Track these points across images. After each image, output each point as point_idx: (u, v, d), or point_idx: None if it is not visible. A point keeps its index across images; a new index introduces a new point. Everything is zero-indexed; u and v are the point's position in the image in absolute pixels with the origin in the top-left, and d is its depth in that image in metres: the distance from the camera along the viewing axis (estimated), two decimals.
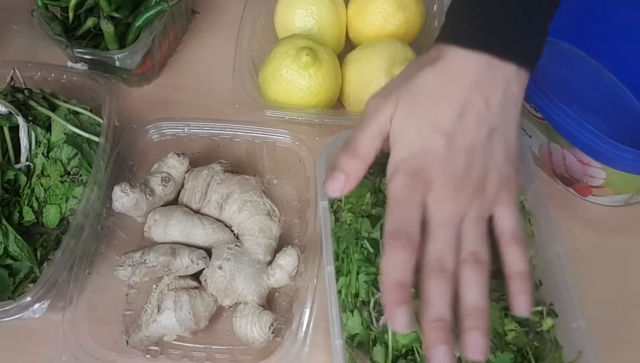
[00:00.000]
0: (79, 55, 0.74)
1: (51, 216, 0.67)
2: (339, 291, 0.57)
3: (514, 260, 0.49)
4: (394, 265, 0.47)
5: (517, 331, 0.53)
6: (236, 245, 0.64)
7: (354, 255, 0.58)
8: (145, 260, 0.62)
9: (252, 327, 0.60)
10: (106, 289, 0.64)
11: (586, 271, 0.60)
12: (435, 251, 0.47)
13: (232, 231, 0.66)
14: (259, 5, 0.81)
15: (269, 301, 0.65)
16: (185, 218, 0.65)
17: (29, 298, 0.59)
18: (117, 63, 0.75)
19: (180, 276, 0.63)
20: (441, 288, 0.46)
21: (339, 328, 0.53)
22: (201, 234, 0.64)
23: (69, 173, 0.69)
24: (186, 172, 0.69)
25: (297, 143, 0.68)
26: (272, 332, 0.60)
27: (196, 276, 0.64)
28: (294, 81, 0.71)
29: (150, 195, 0.65)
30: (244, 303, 0.62)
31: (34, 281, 0.63)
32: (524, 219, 0.58)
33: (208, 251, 0.64)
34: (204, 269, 0.63)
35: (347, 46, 0.80)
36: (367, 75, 0.73)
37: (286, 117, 0.72)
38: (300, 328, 0.57)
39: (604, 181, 0.68)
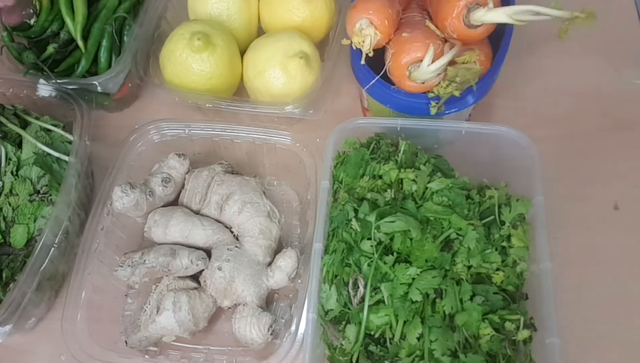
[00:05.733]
0: (59, 85, 0.74)
1: (18, 236, 0.67)
2: (322, 268, 0.60)
3: None
4: None
5: (492, 337, 0.55)
6: (236, 246, 0.65)
7: (342, 235, 0.60)
8: (144, 261, 0.63)
9: (251, 328, 0.61)
10: (105, 289, 0.67)
11: None
12: None
13: (232, 232, 0.67)
14: None
15: (268, 303, 0.67)
16: (185, 219, 0.66)
17: None
18: (99, 88, 0.76)
19: (179, 277, 0.65)
20: None
21: (315, 303, 0.58)
22: (201, 235, 0.65)
23: (38, 192, 0.69)
24: (187, 173, 0.70)
25: (297, 144, 0.69)
26: (271, 334, 0.61)
27: (195, 277, 0.66)
28: (187, 64, 0.74)
29: (150, 196, 0.66)
30: (243, 305, 0.63)
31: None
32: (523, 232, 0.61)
33: (208, 252, 0.66)
34: (203, 270, 0.64)
35: (260, 36, 0.82)
36: (260, 64, 0.76)
37: (176, 99, 0.76)
38: (299, 330, 0.58)
39: (367, 103, 0.75)
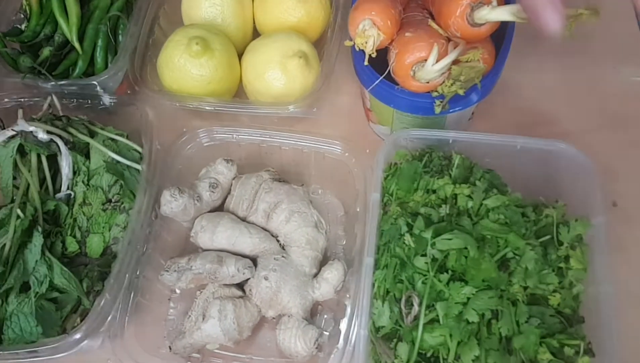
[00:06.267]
0: (59, 87, 0.75)
1: (94, 245, 0.67)
2: (373, 284, 0.59)
3: None
4: None
5: (550, 362, 0.53)
6: (282, 256, 0.64)
7: (395, 250, 0.60)
8: (191, 267, 0.63)
9: (297, 340, 0.60)
10: (151, 293, 0.66)
11: None
12: None
13: (278, 241, 0.66)
14: None
15: (312, 314, 0.67)
16: (232, 226, 0.65)
17: (78, 335, 0.59)
18: (98, 88, 0.75)
19: (225, 285, 0.63)
20: None
21: (366, 319, 0.57)
22: (248, 243, 0.65)
23: (110, 201, 0.69)
24: (234, 178, 0.69)
25: (347, 154, 0.68)
26: (316, 347, 0.59)
27: (240, 285, 0.65)
28: (186, 70, 0.74)
29: (198, 201, 0.66)
30: (288, 316, 0.62)
31: (80, 313, 0.64)
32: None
33: (253, 261, 0.65)
34: (248, 279, 0.63)
35: (255, 38, 0.82)
36: (260, 65, 0.76)
37: (177, 104, 0.75)
38: (348, 344, 0.58)
39: (369, 103, 0.74)
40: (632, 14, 0.84)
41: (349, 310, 0.61)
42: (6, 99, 0.75)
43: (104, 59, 0.79)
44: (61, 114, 0.73)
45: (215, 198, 0.69)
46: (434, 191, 0.63)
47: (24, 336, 0.61)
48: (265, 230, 0.68)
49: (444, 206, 0.61)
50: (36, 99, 0.75)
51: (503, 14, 0.57)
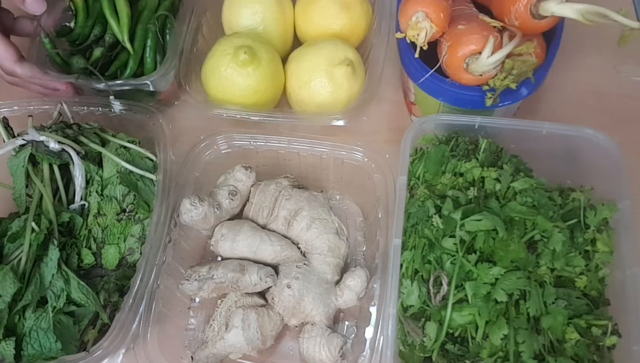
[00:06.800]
0: (111, 87, 0.74)
1: (110, 257, 0.67)
2: (401, 264, 0.59)
3: None
4: None
5: (578, 341, 0.54)
6: (304, 264, 0.64)
7: (423, 231, 0.60)
8: (213, 276, 0.63)
9: (321, 349, 0.60)
10: (171, 302, 0.65)
11: None
12: None
13: (299, 248, 0.66)
14: (207, 3, 0.84)
15: (334, 322, 0.66)
16: (253, 234, 0.65)
17: (99, 352, 0.58)
18: (151, 87, 0.75)
19: (247, 293, 0.63)
20: None
21: (395, 298, 0.57)
22: (269, 251, 0.64)
23: (124, 211, 0.69)
24: (252, 185, 0.69)
25: (366, 159, 0.67)
26: (341, 355, 0.59)
27: (262, 293, 0.65)
28: (232, 79, 0.74)
29: (217, 209, 0.65)
30: (312, 324, 0.62)
31: (99, 328, 0.63)
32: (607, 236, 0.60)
33: (275, 269, 0.64)
34: (270, 287, 0.63)
35: (295, 46, 0.82)
36: (305, 74, 0.75)
37: (224, 115, 0.74)
38: (375, 352, 0.58)
39: (414, 97, 0.74)
40: (621, 5, 0.83)
41: (374, 317, 0.60)
42: (16, 107, 0.74)
43: (154, 59, 0.78)
44: (72, 122, 0.73)
45: (235, 205, 0.68)
46: (462, 174, 0.64)
47: (43, 352, 0.60)
48: (286, 237, 0.68)
49: (471, 188, 0.62)
50: (46, 107, 0.74)
51: (570, 10, 0.57)
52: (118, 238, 0.67)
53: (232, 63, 0.73)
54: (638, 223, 0.59)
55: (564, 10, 0.57)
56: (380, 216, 0.66)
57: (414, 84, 0.70)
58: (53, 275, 0.62)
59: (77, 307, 0.63)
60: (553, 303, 0.55)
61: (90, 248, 0.67)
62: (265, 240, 0.66)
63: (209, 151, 0.71)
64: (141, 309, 0.62)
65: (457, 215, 0.59)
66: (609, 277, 0.59)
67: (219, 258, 0.68)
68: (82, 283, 0.62)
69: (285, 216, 0.68)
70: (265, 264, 0.65)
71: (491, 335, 0.54)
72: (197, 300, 0.68)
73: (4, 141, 0.70)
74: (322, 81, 0.73)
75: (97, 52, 0.77)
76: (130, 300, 0.61)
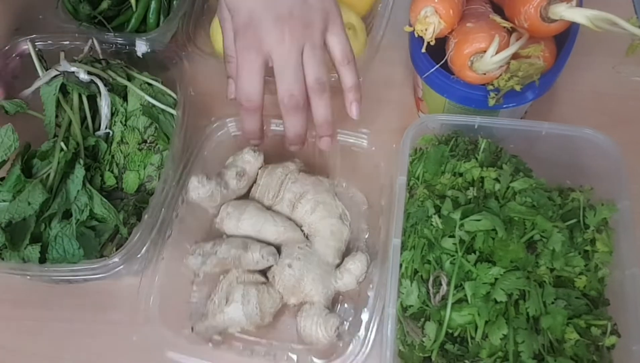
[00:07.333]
0: (108, 39, 0.80)
1: (130, 181, 0.72)
2: (400, 264, 0.60)
3: (347, 77, 0.63)
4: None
5: (577, 341, 0.54)
6: (306, 245, 0.65)
7: (423, 231, 0.61)
8: (216, 251, 0.64)
9: (317, 328, 0.61)
10: (175, 276, 0.67)
11: None
12: (285, 89, 0.60)
13: (302, 231, 0.67)
14: None
15: (333, 304, 0.67)
16: (257, 214, 0.67)
17: (117, 259, 0.63)
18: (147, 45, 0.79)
19: (248, 271, 0.64)
20: (298, 117, 0.63)
21: (394, 298, 0.58)
22: (273, 231, 0.66)
23: (145, 141, 0.73)
24: (260, 168, 0.70)
25: (373, 148, 0.69)
26: (337, 335, 0.60)
27: (263, 272, 0.66)
28: None
29: (224, 188, 0.67)
30: (310, 304, 0.63)
31: (116, 242, 0.68)
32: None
33: (277, 249, 0.66)
34: (272, 266, 0.64)
35: None
36: None
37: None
38: (370, 335, 0.59)
39: (422, 92, 0.76)
40: (632, 13, 0.85)
41: (371, 299, 0.62)
42: (49, 41, 0.79)
43: (156, 20, 0.83)
44: (101, 57, 0.77)
45: (242, 186, 0.70)
46: (461, 174, 0.64)
47: (66, 257, 0.64)
48: (290, 219, 0.69)
49: (471, 188, 0.62)
50: (77, 43, 0.79)
51: (579, 15, 0.57)
52: (138, 166, 0.72)
53: None
54: (637, 224, 0.59)
55: (573, 14, 0.57)
56: (383, 203, 0.67)
57: (421, 80, 0.70)
58: (78, 191, 0.67)
59: (99, 223, 0.68)
60: (552, 303, 0.56)
61: (112, 172, 0.71)
62: (270, 220, 0.67)
63: (220, 132, 0.73)
64: (159, 220, 0.65)
65: (456, 215, 0.59)
66: (609, 277, 0.59)
67: (224, 237, 0.70)
68: (104, 200, 0.68)
69: (290, 199, 0.69)
70: (269, 244, 0.66)
71: (491, 335, 0.55)
72: (201, 275, 0.70)
73: (39, 75, 0.75)
74: None
75: (105, 4, 0.81)
76: (149, 212, 0.65)
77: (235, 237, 0.67)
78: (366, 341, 0.59)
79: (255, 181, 0.72)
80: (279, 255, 0.66)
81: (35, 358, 0.68)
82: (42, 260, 0.64)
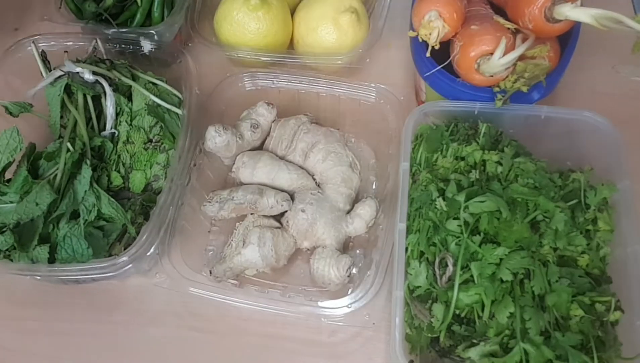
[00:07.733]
0: (114, 35, 0.79)
1: (137, 181, 0.72)
2: (406, 248, 0.61)
3: None
4: None
5: (582, 318, 0.55)
6: (319, 192, 0.68)
7: (427, 214, 0.62)
8: (233, 197, 0.67)
9: (330, 268, 0.64)
10: (193, 222, 0.70)
11: None
12: None
13: (314, 179, 0.70)
14: None
15: (344, 249, 0.69)
16: (272, 162, 0.69)
17: (125, 258, 0.63)
18: (156, 37, 0.79)
19: (263, 216, 0.67)
20: None
21: (402, 280, 0.58)
22: (286, 178, 0.69)
23: (151, 141, 0.73)
24: (273, 121, 0.73)
25: (381, 101, 0.71)
26: (349, 275, 0.63)
27: (277, 218, 0.69)
28: (244, 23, 0.78)
29: (240, 138, 0.70)
30: (323, 247, 0.66)
31: (124, 242, 0.68)
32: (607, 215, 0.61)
33: (291, 196, 0.68)
34: (286, 211, 0.67)
35: None
36: (313, 20, 0.79)
37: (236, 55, 0.79)
38: (378, 274, 0.61)
39: (425, 95, 0.76)
40: (632, 13, 0.85)
41: (380, 241, 0.64)
42: (53, 42, 0.79)
43: (161, 14, 0.83)
44: (105, 57, 0.77)
45: (256, 137, 0.73)
46: (463, 158, 0.65)
47: (75, 257, 0.65)
48: (303, 168, 0.72)
49: (473, 171, 0.64)
50: (80, 43, 0.78)
51: (584, 15, 0.57)
52: (145, 165, 0.72)
53: (243, 7, 0.77)
54: (637, 203, 0.60)
55: (578, 14, 0.57)
56: (390, 152, 0.70)
57: (425, 83, 0.71)
58: (85, 191, 0.67)
59: (107, 223, 0.68)
60: (557, 281, 0.56)
61: (119, 172, 0.71)
62: (283, 168, 0.70)
63: (235, 87, 0.75)
64: (163, 227, 0.65)
65: (461, 197, 0.60)
66: (610, 255, 0.60)
67: (240, 185, 0.72)
68: (112, 199, 0.67)
69: (302, 148, 0.72)
70: (282, 190, 0.70)
71: (497, 314, 0.55)
72: (216, 227, 0.72)
73: (42, 75, 0.74)
74: (328, 27, 0.77)
75: (110, 0, 0.80)
76: (155, 215, 0.65)
77: (250, 184, 0.70)
78: (376, 279, 0.61)
79: (268, 134, 0.75)
80: (292, 201, 0.69)
81: (36, 358, 0.68)
82: (51, 261, 0.65)
